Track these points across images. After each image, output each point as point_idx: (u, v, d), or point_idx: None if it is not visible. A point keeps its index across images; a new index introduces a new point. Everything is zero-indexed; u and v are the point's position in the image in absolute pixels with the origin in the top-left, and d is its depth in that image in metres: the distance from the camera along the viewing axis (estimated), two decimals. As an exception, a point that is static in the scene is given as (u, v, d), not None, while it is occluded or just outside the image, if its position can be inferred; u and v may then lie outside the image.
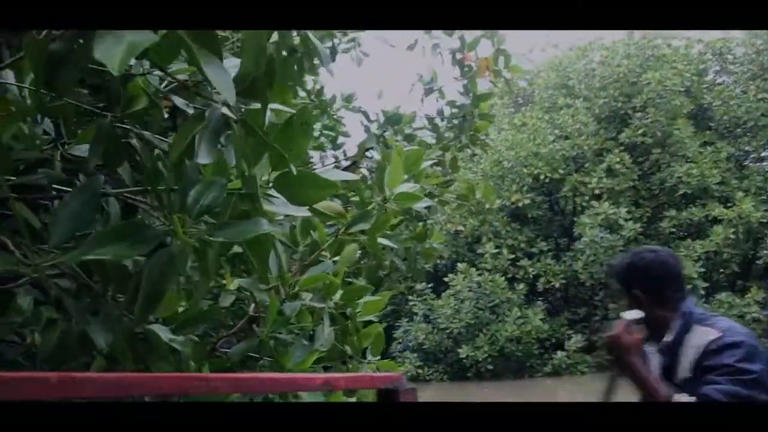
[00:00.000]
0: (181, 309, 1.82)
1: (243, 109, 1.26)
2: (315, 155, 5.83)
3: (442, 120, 5.11)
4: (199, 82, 1.31)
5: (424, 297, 21.55)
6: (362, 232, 2.61)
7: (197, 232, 1.17)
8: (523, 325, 19.46)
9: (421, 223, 4.94)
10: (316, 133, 5.34)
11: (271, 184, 1.33)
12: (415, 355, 21.25)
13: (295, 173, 1.31)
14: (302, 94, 5.24)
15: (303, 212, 1.51)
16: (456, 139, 4.77)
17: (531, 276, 20.43)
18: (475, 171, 21.99)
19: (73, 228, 1.08)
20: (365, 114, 4.88)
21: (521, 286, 20.10)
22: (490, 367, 19.62)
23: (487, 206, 5.41)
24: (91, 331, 1.22)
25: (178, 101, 1.42)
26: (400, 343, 21.99)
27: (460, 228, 21.23)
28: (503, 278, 20.08)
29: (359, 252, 4.63)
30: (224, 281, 2.18)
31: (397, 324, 22.41)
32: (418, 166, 2.93)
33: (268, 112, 1.28)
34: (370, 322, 2.61)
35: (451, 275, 20.67)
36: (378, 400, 1.48)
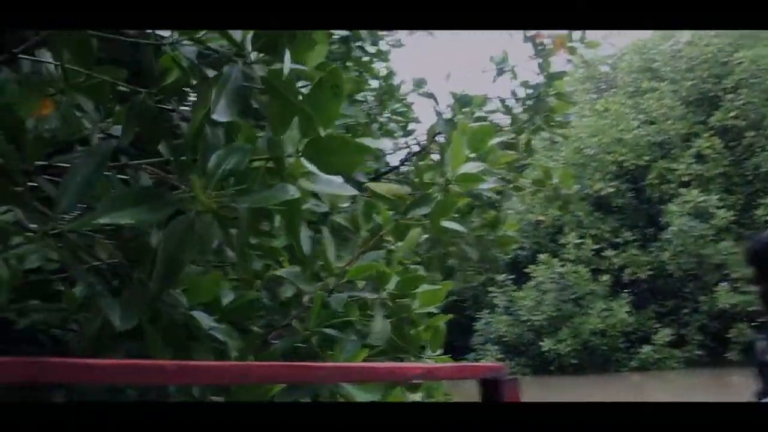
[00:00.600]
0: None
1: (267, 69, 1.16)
2: (387, 142, 5.73)
3: (516, 101, 4.91)
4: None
5: (504, 288, 21.28)
6: (426, 216, 2.47)
7: (219, 198, 1.06)
8: (608, 317, 18.90)
9: (493, 210, 4.75)
10: (383, 119, 5.23)
11: (300, 154, 1.22)
12: (496, 347, 21.03)
13: (322, 136, 1.18)
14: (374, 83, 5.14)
15: (340, 183, 1.39)
16: (530, 121, 4.56)
17: (616, 267, 19.82)
18: (556, 159, 21.45)
19: (81, 193, 1.00)
20: (433, 97, 4.72)
21: (605, 277, 19.53)
22: (574, 360, 19.16)
23: (564, 191, 5.18)
24: (110, 311, 1.13)
25: (210, 72, 1.32)
26: (481, 335, 21.84)
27: (541, 218, 20.75)
28: (587, 269, 19.56)
29: (429, 241, 4.50)
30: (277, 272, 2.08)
31: (478, 315, 22.23)
32: (486, 144, 2.76)
33: (297, 73, 1.17)
34: (432, 315, 2.47)
35: (532, 266, 20.28)
36: (480, 390, 1.47)
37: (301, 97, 1.22)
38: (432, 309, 2.35)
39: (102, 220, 0.96)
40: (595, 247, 19.94)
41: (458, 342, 22.89)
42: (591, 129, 20.60)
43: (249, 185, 1.13)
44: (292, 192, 1.10)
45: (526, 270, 20.48)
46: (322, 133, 1.19)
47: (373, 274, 2.14)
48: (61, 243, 1.06)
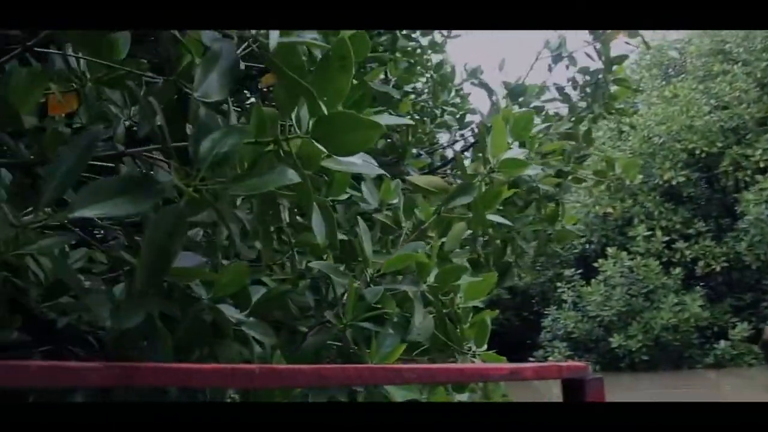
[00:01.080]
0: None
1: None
2: (442, 135, 5.63)
3: (575, 89, 4.73)
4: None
5: (572, 283, 20.89)
6: (468, 208, 2.37)
7: (209, 184, 0.99)
8: (681, 312, 18.29)
9: (552, 203, 4.59)
10: (438, 111, 5.11)
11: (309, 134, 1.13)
12: (564, 344, 20.68)
13: (326, 113, 1.09)
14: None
15: (364, 164, 1.31)
16: (588, 108, 4.38)
17: (688, 259, 19.18)
18: (623, 149, 20.94)
19: (63, 185, 0.94)
20: (486, 87, 4.60)
21: (677, 270, 18.93)
22: (645, 357, 18.65)
23: (628, 182, 4.98)
24: (100, 309, 1.07)
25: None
26: (549, 331, 21.51)
27: (609, 210, 20.31)
28: (657, 262, 18.98)
29: (485, 237, 4.38)
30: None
31: (546, 312, 21.90)
32: (529, 131, 2.64)
33: (303, 47, 1.09)
34: (478, 309, 2.36)
35: (600, 260, 19.82)
36: (563, 391, 1.48)
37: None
38: (477, 303, 2.25)
39: (78, 214, 0.90)
40: (666, 239, 19.32)
41: (526, 339, 22.67)
42: (659, 117, 19.96)
43: (258, 169, 1.06)
44: (291, 176, 1.02)
45: (595, 264, 20.01)
46: (327, 110, 1.10)
47: (412, 266, 2.05)
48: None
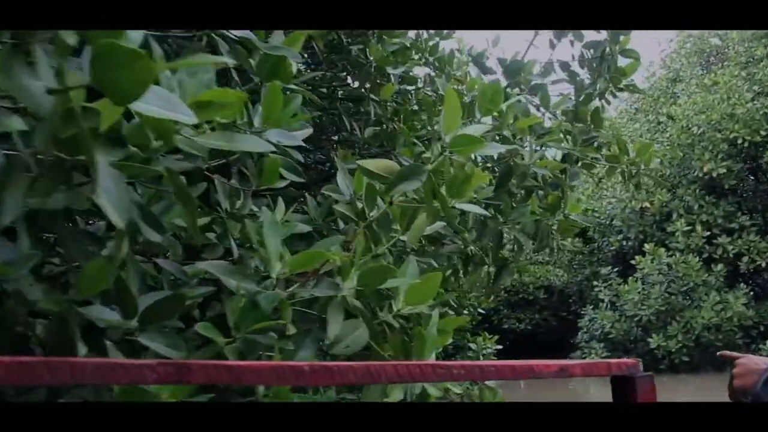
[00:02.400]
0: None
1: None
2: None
3: (582, 67, 4.35)
4: None
5: (609, 282, 20.33)
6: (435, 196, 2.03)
7: None
8: (723, 311, 17.60)
9: (557, 192, 4.22)
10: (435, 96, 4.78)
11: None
12: (602, 345, 20.21)
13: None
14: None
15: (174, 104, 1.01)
16: (593, 84, 4.01)
17: (731, 255, 18.46)
18: (661, 140, 20.30)
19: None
20: (480, 64, 4.25)
21: (719, 266, 18.24)
22: (686, 358, 18.02)
23: (643, 167, 4.59)
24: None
25: None
26: (586, 332, 21.04)
27: (647, 205, 19.73)
28: (697, 259, 18.31)
29: (479, 229, 4.02)
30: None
31: (582, 311, 21.40)
32: (498, 103, 2.30)
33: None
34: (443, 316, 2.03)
35: (638, 257, 19.21)
36: (612, 388, 1.49)
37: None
38: (423, 309, 1.91)
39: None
40: (707, 234, 18.61)
41: (565, 339, 22.19)
42: (699, 105, 19.24)
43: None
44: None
45: (632, 262, 19.43)
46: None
47: (335, 266, 1.74)
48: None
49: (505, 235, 3.92)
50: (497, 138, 2.87)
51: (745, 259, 18.36)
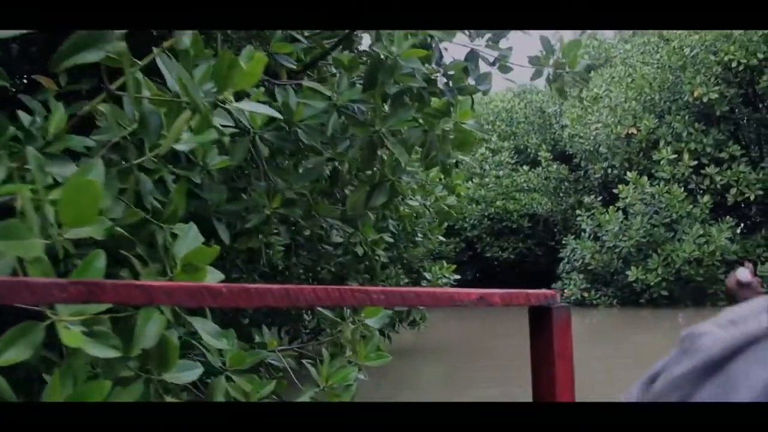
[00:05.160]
0: None
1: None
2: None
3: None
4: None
5: (592, 211, 19.84)
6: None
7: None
8: (706, 244, 17.18)
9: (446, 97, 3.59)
10: None
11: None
12: (581, 276, 19.95)
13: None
14: None
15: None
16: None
17: (718, 186, 17.92)
18: (651, 63, 19.49)
19: None
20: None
21: (705, 198, 17.73)
22: (665, 292, 17.68)
23: (568, 69, 3.95)
24: None
25: None
26: (567, 262, 20.72)
27: (633, 131, 19.05)
28: (682, 189, 17.74)
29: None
30: None
31: (564, 242, 21.03)
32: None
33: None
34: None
35: (620, 186, 18.64)
36: (530, 317, 1.53)
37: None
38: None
39: None
40: (694, 163, 18.00)
41: (547, 270, 21.89)
42: (693, 25, 18.38)
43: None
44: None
45: (615, 191, 18.91)
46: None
47: None
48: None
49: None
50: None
51: (734, 191, 17.84)
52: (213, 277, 1.82)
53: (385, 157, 3.51)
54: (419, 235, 9.41)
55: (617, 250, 18.54)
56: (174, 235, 1.92)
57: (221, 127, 1.86)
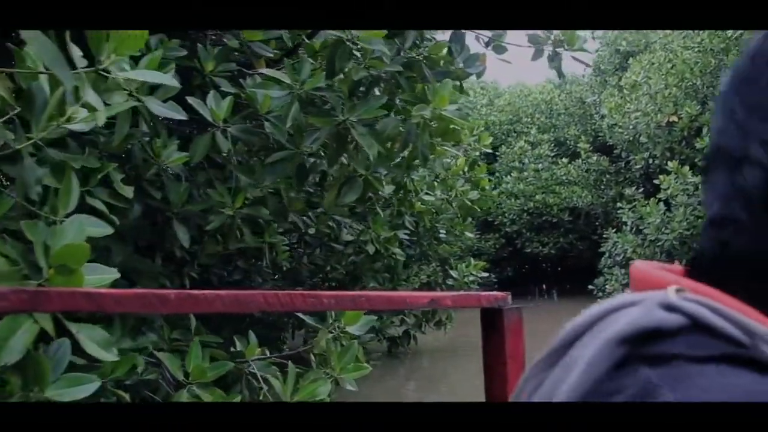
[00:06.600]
0: None
1: None
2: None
3: None
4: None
5: (634, 204, 19.27)
6: None
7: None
8: (753, 235, 16.53)
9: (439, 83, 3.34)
10: None
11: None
12: (623, 271, 19.40)
13: None
14: None
15: None
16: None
17: (766, 174, 17.25)
18: (691, 46, 18.91)
19: None
20: None
21: (753, 187, 17.07)
22: (710, 287, 17.10)
23: (566, 47, 3.73)
24: None
25: None
26: (609, 257, 20.19)
27: (674, 119, 18.47)
28: (727, 178, 17.12)
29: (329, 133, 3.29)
30: None
31: (606, 236, 20.53)
32: None
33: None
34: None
35: (662, 176, 18.06)
36: (482, 318, 1.55)
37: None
38: None
39: None
40: (740, 150, 17.40)
41: (590, 264, 21.42)
42: (737, 7, 17.80)
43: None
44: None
45: (657, 181, 18.37)
46: None
47: None
48: None
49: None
50: None
51: (783, 178, 17.14)
52: (103, 278, 1.64)
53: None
54: (441, 231, 9.14)
55: (659, 243, 17.98)
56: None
57: (103, 102, 1.67)
